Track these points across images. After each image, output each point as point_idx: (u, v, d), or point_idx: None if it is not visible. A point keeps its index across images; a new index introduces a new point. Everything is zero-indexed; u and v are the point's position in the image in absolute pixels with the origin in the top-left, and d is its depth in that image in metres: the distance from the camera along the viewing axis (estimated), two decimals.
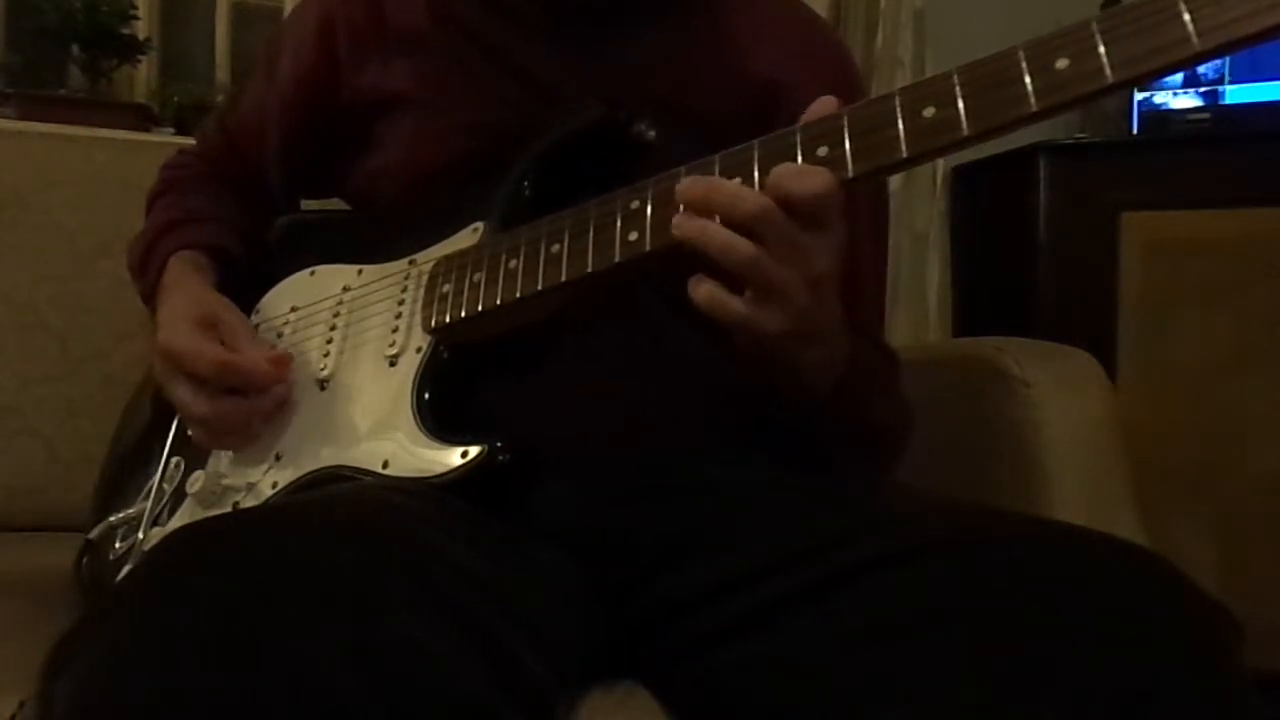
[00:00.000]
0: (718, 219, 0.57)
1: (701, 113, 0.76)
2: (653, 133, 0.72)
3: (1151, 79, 0.49)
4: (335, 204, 0.95)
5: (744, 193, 0.56)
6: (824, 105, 0.58)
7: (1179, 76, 1.94)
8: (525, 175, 0.73)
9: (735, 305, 0.58)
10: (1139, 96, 1.97)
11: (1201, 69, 1.92)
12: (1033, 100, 0.50)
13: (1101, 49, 0.48)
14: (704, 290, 0.58)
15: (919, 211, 2.01)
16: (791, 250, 0.56)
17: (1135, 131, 1.97)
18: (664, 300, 0.75)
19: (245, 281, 0.85)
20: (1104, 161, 1.86)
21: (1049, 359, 0.93)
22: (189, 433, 0.78)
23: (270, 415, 0.75)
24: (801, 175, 0.56)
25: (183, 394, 0.74)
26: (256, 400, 0.74)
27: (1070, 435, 0.87)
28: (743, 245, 0.56)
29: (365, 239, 0.81)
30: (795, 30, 0.85)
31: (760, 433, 0.78)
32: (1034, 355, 0.93)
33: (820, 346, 0.63)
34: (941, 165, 2.04)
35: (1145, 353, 1.78)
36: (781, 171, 0.56)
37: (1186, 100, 1.94)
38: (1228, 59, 1.89)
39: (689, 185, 0.58)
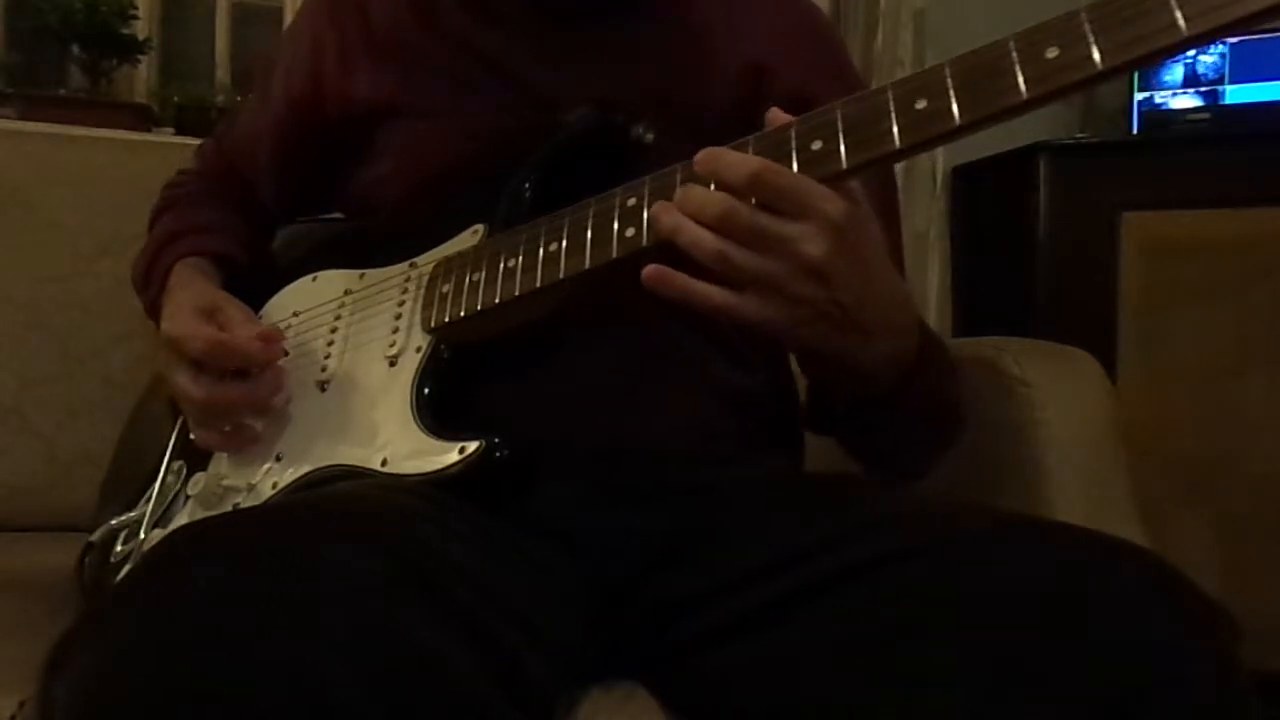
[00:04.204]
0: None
1: (692, 106, 0.77)
2: (651, 135, 0.72)
3: (1142, 66, 0.49)
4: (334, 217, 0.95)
5: (706, 196, 0.57)
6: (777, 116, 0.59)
7: (1179, 76, 1.94)
8: (526, 178, 0.73)
9: (705, 290, 0.58)
10: (1139, 96, 1.97)
11: (1201, 69, 1.92)
12: (1023, 89, 0.50)
13: (1091, 37, 0.49)
14: (651, 269, 0.58)
15: (919, 211, 2.01)
16: (763, 240, 0.56)
17: (1135, 131, 1.98)
18: (664, 301, 0.75)
19: (249, 289, 0.85)
20: (1104, 161, 1.86)
21: (1049, 359, 0.93)
22: (191, 435, 0.79)
23: (268, 403, 0.75)
24: (733, 163, 0.57)
25: (182, 380, 0.75)
26: (252, 386, 0.74)
27: (1070, 435, 0.87)
28: (707, 238, 0.57)
29: (367, 244, 0.82)
30: (778, 13, 0.86)
31: (764, 432, 0.78)
32: (1034, 355, 0.92)
33: (879, 340, 0.62)
34: (941, 165, 2.04)
35: (1145, 353, 1.78)
36: (718, 169, 0.57)
37: (1186, 100, 1.94)
38: (1227, 59, 1.89)
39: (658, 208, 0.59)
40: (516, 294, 0.66)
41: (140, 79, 1.87)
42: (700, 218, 0.57)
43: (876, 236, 0.61)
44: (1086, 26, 0.49)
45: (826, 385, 0.71)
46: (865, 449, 0.76)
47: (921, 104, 0.54)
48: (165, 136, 1.66)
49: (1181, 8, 0.46)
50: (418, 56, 0.82)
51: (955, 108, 0.52)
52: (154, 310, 0.87)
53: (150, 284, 0.87)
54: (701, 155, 0.58)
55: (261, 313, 0.85)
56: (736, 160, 0.57)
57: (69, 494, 1.17)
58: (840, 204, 0.57)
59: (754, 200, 0.56)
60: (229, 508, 0.74)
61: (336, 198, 0.89)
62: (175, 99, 1.79)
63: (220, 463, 0.78)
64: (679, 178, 0.61)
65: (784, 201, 0.56)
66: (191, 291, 0.80)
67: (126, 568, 0.78)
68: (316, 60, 0.85)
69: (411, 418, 0.68)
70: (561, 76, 0.78)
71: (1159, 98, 1.96)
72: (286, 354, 0.77)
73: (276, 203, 0.93)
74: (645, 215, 0.61)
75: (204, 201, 0.94)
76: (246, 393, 0.74)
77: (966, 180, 2.07)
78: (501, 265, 0.68)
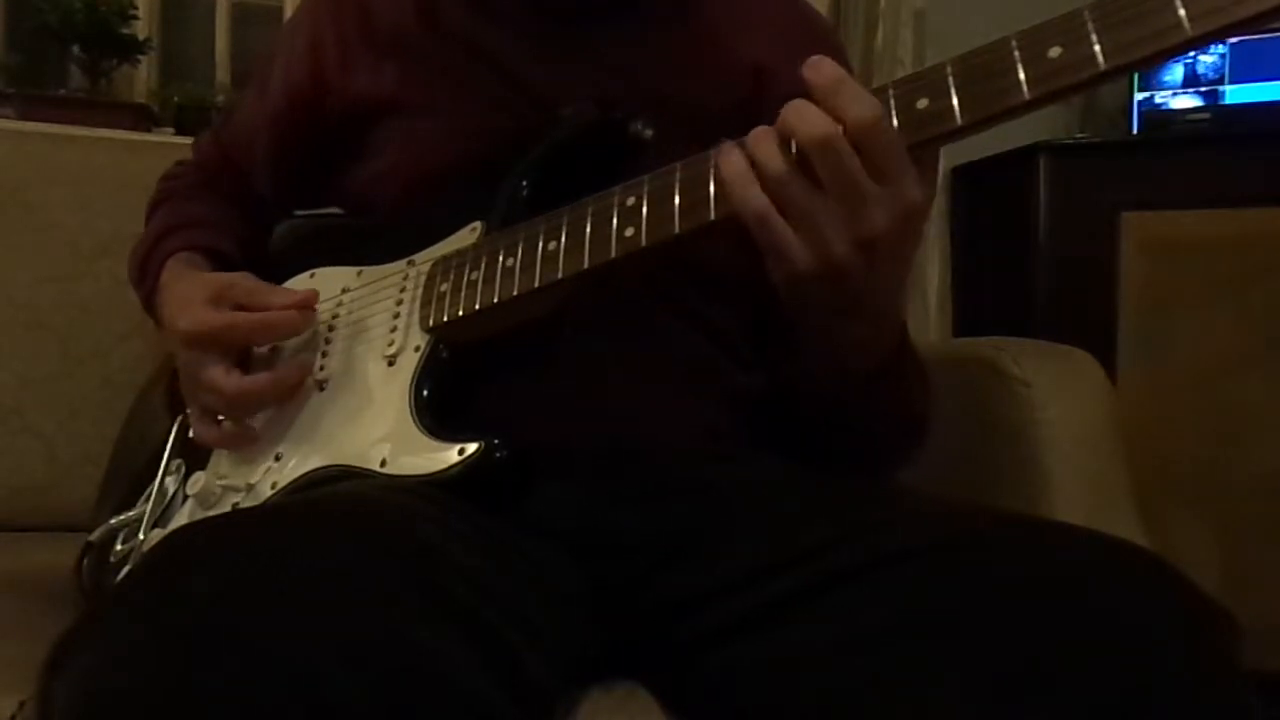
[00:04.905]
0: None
1: (692, 106, 0.77)
2: (650, 131, 0.72)
3: (1145, 66, 0.49)
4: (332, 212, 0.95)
5: (815, 115, 0.54)
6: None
7: (1179, 76, 1.94)
8: (524, 176, 0.73)
9: (760, 197, 0.55)
10: (1139, 96, 1.98)
11: (1201, 69, 1.92)
12: (1025, 89, 0.50)
13: (1094, 37, 0.48)
14: (731, 157, 0.56)
15: None
16: (843, 189, 0.54)
17: (1135, 131, 1.98)
18: (664, 300, 0.76)
19: None
20: (1104, 161, 1.86)
21: (1049, 359, 0.93)
22: (190, 434, 0.79)
23: (295, 382, 0.75)
24: (858, 99, 0.53)
25: (215, 375, 0.74)
26: (279, 374, 0.74)
27: (1070, 435, 0.87)
28: (779, 159, 0.54)
29: (365, 241, 0.82)
30: (779, 15, 0.86)
31: (764, 432, 0.78)
32: (1034, 355, 0.92)
33: (864, 323, 0.62)
34: (941, 165, 2.03)
35: (1145, 353, 1.78)
36: (841, 95, 0.53)
37: (1186, 100, 1.94)
38: (1227, 59, 1.89)
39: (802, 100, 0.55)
40: (515, 293, 0.66)
41: (140, 79, 1.86)
42: (795, 133, 0.54)
43: (920, 238, 0.60)
44: (1090, 26, 0.49)
45: (800, 375, 0.71)
46: (827, 452, 0.76)
47: (923, 103, 0.53)
48: (165, 136, 1.66)
49: (1186, 7, 0.46)
50: (418, 54, 0.82)
51: (957, 108, 0.52)
52: (149, 305, 0.86)
53: (145, 278, 0.87)
54: (823, 69, 0.54)
55: None
56: (864, 94, 0.53)
57: (69, 494, 1.17)
58: (921, 190, 0.55)
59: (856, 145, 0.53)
60: (228, 507, 0.74)
61: (334, 193, 0.89)
62: (175, 99, 1.79)
63: (219, 462, 0.78)
64: (678, 177, 0.61)
65: (881, 158, 0.53)
66: (190, 284, 0.80)
67: (126, 568, 0.78)
68: (316, 55, 0.85)
69: (410, 418, 0.68)
70: (561, 76, 0.78)
71: (1159, 98, 1.96)
72: (315, 307, 0.77)
73: (273, 196, 0.93)
74: (644, 214, 0.61)
75: (199, 195, 0.94)
76: (275, 380, 0.74)
77: (966, 180, 2.07)
78: (500, 264, 0.68)
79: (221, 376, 0.74)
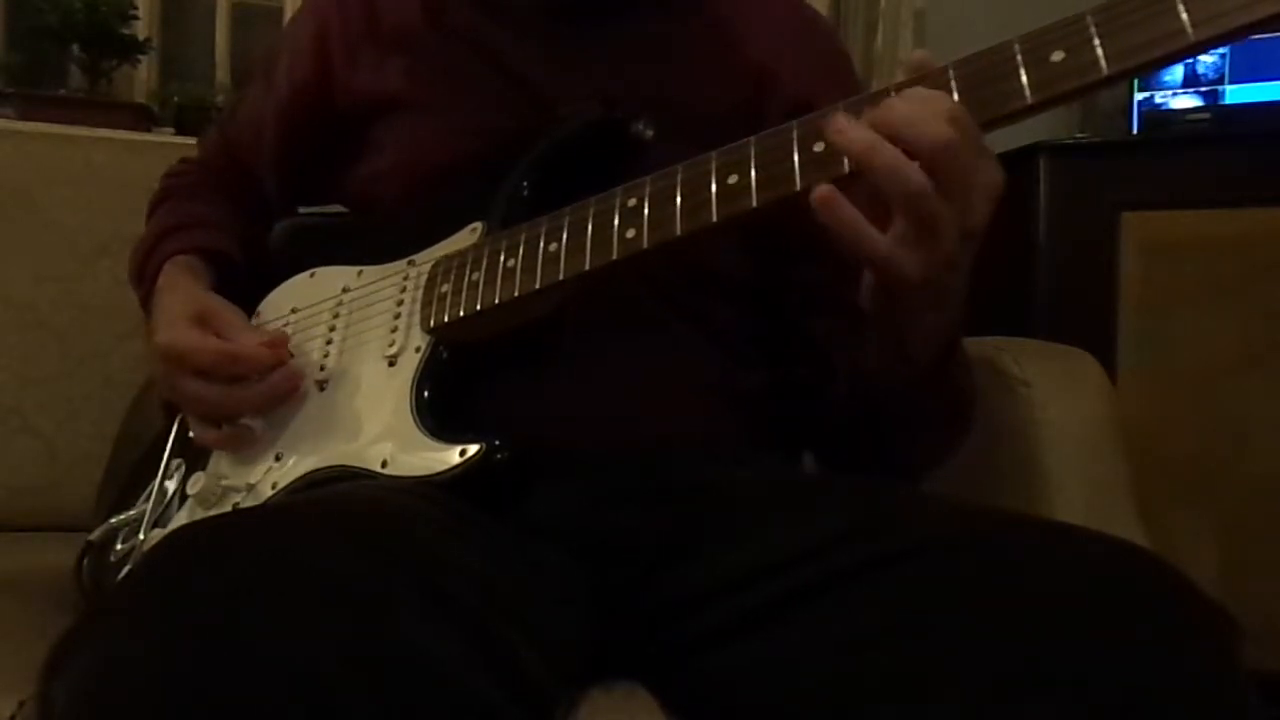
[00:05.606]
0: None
1: (696, 107, 0.77)
2: (651, 131, 0.72)
3: (1148, 71, 0.49)
4: (335, 209, 0.95)
5: (924, 116, 0.51)
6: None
7: (1179, 76, 1.94)
8: (524, 176, 0.74)
9: (873, 235, 0.52)
10: (1139, 96, 1.97)
11: (1201, 69, 1.92)
12: (1028, 93, 0.50)
13: (1096, 41, 0.48)
14: (825, 190, 0.52)
15: None
16: (963, 186, 0.52)
17: (1135, 131, 1.97)
18: (665, 301, 0.76)
19: (245, 285, 0.85)
20: (1104, 161, 1.86)
21: (1049, 359, 0.93)
22: (190, 434, 0.79)
23: (285, 394, 0.75)
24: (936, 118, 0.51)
25: (191, 388, 0.74)
26: (266, 387, 0.74)
27: (1070, 435, 0.87)
28: (915, 173, 0.51)
29: (365, 240, 0.82)
30: (784, 18, 0.86)
31: (764, 432, 0.78)
32: (1034, 355, 0.93)
33: (941, 312, 0.61)
34: None
35: (1145, 353, 1.78)
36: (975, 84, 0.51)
37: (1186, 100, 1.94)
38: (1228, 59, 1.89)
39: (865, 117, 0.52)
40: (516, 295, 0.66)
41: (140, 79, 1.86)
42: (917, 139, 0.51)
43: None
44: (1093, 30, 0.49)
45: (851, 374, 0.69)
46: (879, 446, 0.75)
47: None
48: (165, 136, 1.66)
49: (1189, 12, 0.46)
50: (422, 52, 0.82)
51: None
52: (147, 303, 0.87)
53: (144, 279, 0.87)
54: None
55: (259, 309, 0.85)
56: (946, 105, 0.51)
57: (69, 494, 1.17)
58: (1000, 170, 0.54)
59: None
60: (228, 508, 0.74)
61: (337, 191, 0.89)
62: (175, 99, 1.79)
63: (219, 462, 0.77)
64: (679, 178, 0.61)
65: (977, 156, 0.52)
66: (179, 296, 0.80)
67: (126, 568, 0.78)
68: (321, 50, 0.86)
69: (411, 419, 0.68)
70: (564, 75, 0.78)
71: (1159, 98, 1.96)
72: (292, 355, 0.77)
73: (277, 193, 0.93)
74: (646, 216, 0.61)
75: (200, 193, 0.93)
76: (263, 392, 0.74)
77: None
78: (501, 265, 0.68)
79: (201, 388, 0.74)
